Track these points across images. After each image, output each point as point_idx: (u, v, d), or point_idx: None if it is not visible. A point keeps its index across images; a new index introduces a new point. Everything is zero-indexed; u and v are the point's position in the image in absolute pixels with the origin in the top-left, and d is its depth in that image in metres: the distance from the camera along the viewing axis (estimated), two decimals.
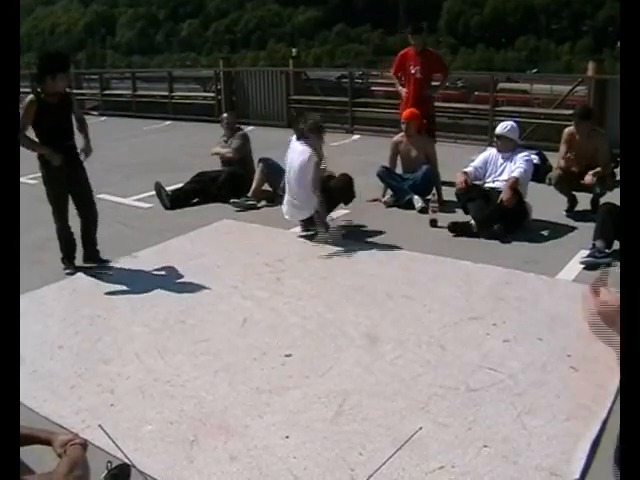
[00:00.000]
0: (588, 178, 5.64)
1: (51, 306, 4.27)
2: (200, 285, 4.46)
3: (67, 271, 4.80)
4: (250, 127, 11.52)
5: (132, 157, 9.84)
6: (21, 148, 3.48)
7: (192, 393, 3.11)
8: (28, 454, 1.99)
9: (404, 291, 4.26)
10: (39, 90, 4.43)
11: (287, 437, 2.73)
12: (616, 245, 4.65)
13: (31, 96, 4.41)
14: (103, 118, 15.12)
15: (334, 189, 5.56)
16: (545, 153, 7.59)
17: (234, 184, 6.70)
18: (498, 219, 5.27)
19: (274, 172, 6.65)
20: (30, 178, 5.82)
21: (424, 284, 4.40)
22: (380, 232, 5.57)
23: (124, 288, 4.50)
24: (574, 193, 5.93)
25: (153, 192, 6.75)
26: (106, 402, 3.07)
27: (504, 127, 5.65)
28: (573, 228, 5.52)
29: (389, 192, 6.51)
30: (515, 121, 6.17)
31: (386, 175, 6.44)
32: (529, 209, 5.52)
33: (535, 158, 7.36)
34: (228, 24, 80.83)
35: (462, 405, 2.92)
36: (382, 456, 2.53)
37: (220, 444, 2.71)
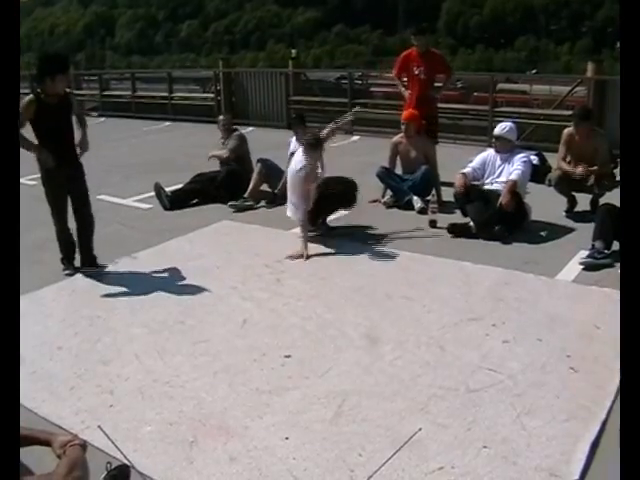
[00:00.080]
0: (579, 169, 5.64)
1: (50, 307, 4.27)
2: (199, 286, 4.46)
3: (66, 272, 4.80)
4: (250, 128, 11.57)
5: (132, 158, 9.85)
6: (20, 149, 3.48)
7: (191, 394, 3.11)
8: (27, 455, 1.99)
9: (403, 292, 4.27)
10: (39, 91, 4.42)
11: (287, 438, 2.73)
12: (615, 246, 4.65)
13: (30, 96, 4.40)
14: (102, 119, 15.14)
15: (333, 194, 5.43)
16: (544, 154, 7.60)
17: (233, 183, 6.70)
18: (498, 221, 5.28)
19: (273, 173, 6.67)
20: (29, 179, 5.82)
21: (423, 285, 4.40)
22: (379, 233, 5.58)
23: (123, 289, 4.50)
24: (574, 194, 5.93)
25: (152, 193, 6.76)
26: (105, 403, 3.07)
27: (502, 128, 5.65)
28: (572, 229, 5.52)
29: (389, 193, 6.52)
30: (514, 122, 6.17)
31: (385, 176, 6.44)
32: (528, 210, 5.52)
33: (534, 159, 7.38)
34: (227, 25, 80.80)
35: (461, 406, 2.92)
36: (382, 457, 2.54)
37: (220, 445, 2.71)
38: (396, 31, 66.29)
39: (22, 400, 2.44)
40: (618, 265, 4.46)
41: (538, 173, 6.92)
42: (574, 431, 2.70)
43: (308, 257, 4.97)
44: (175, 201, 6.63)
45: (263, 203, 6.62)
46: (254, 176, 6.68)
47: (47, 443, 1.99)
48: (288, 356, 3.44)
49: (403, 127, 6.55)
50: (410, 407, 2.92)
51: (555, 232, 5.44)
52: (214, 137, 7.47)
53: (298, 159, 5.19)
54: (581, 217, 5.75)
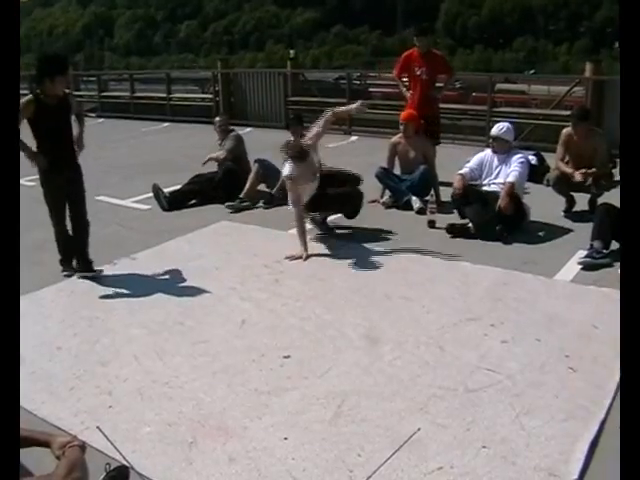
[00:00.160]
0: (578, 176, 5.64)
1: (50, 307, 4.27)
2: (198, 287, 4.46)
3: (65, 273, 4.80)
4: (248, 128, 11.57)
5: (130, 158, 9.85)
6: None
7: (191, 395, 3.11)
8: (27, 456, 2.00)
9: (402, 292, 4.27)
10: (38, 91, 4.41)
11: (286, 438, 2.73)
12: (614, 245, 4.66)
13: (29, 96, 4.39)
14: (101, 120, 15.14)
15: (333, 197, 5.38)
16: (543, 154, 7.62)
17: (230, 182, 6.71)
18: (497, 223, 5.28)
19: (270, 173, 6.67)
20: (28, 180, 5.82)
21: (422, 285, 4.40)
22: (378, 233, 5.58)
23: (122, 290, 4.50)
24: (572, 194, 5.94)
25: (151, 194, 6.76)
26: (104, 404, 3.07)
27: (500, 128, 5.64)
28: (571, 229, 5.53)
29: (387, 193, 6.52)
30: (512, 122, 6.17)
31: (384, 176, 6.44)
32: (527, 210, 5.52)
33: (533, 159, 7.40)
34: (226, 25, 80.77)
35: (461, 406, 2.92)
36: (381, 457, 2.54)
37: (219, 445, 2.71)
38: (395, 32, 66.33)
39: (21, 401, 2.43)
40: (617, 265, 4.47)
41: (536, 173, 6.94)
42: (573, 431, 2.71)
43: (307, 258, 4.97)
44: (173, 202, 6.63)
45: (261, 203, 6.62)
46: (251, 176, 6.69)
47: (46, 444, 1.99)
48: (287, 356, 3.45)
49: (402, 127, 6.56)
50: (409, 407, 2.93)
51: (553, 232, 5.44)
52: (213, 138, 7.47)
53: (286, 166, 5.18)
54: (579, 217, 5.76)
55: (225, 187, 6.70)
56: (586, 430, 2.71)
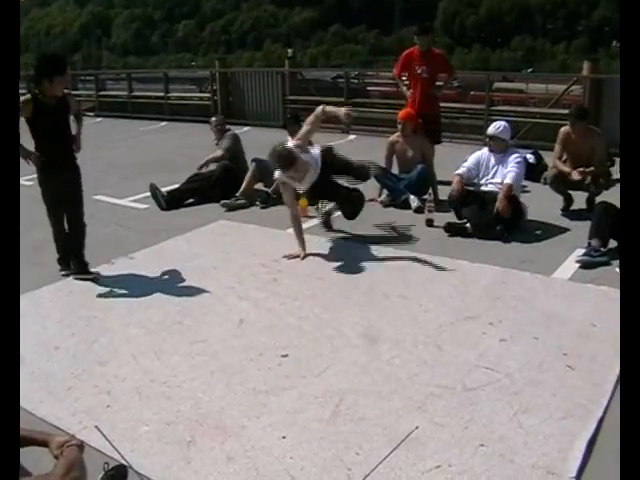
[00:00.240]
0: (575, 174, 5.65)
1: (48, 307, 4.26)
2: (196, 286, 4.46)
3: (63, 272, 4.79)
4: (246, 127, 11.58)
5: (128, 158, 9.84)
6: None
7: (189, 394, 3.11)
8: (25, 456, 1.99)
9: (400, 291, 4.27)
10: (36, 91, 4.38)
11: (284, 437, 2.73)
12: (612, 244, 4.67)
13: (27, 95, 4.37)
14: (99, 119, 15.13)
15: (335, 193, 5.38)
16: (541, 152, 7.62)
17: (228, 180, 6.71)
18: (496, 224, 5.28)
19: (267, 172, 6.66)
20: (27, 179, 5.81)
21: (420, 284, 4.40)
22: (376, 232, 5.58)
23: (120, 289, 4.49)
24: (570, 192, 5.94)
25: (149, 193, 6.75)
26: (103, 403, 3.06)
27: (497, 127, 5.63)
28: (569, 227, 5.53)
29: (385, 192, 6.52)
30: (509, 121, 6.17)
31: (382, 175, 6.44)
32: (524, 209, 5.52)
33: (530, 157, 7.41)
34: (224, 25, 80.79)
35: (459, 404, 2.92)
36: (379, 456, 2.54)
37: (217, 445, 2.71)
38: (392, 31, 66.42)
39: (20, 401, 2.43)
40: (614, 263, 4.47)
41: (534, 171, 6.95)
42: (571, 429, 2.71)
43: (305, 257, 4.97)
44: (171, 201, 6.63)
45: (258, 202, 6.62)
46: (248, 175, 6.69)
47: (44, 444, 1.99)
48: (285, 356, 3.44)
49: (399, 126, 6.56)
50: (407, 406, 2.93)
51: (551, 230, 5.45)
52: (210, 137, 7.47)
53: (276, 171, 5.15)
54: (577, 215, 5.76)
55: (222, 185, 6.71)
56: (584, 428, 2.71)
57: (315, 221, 5.88)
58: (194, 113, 13.83)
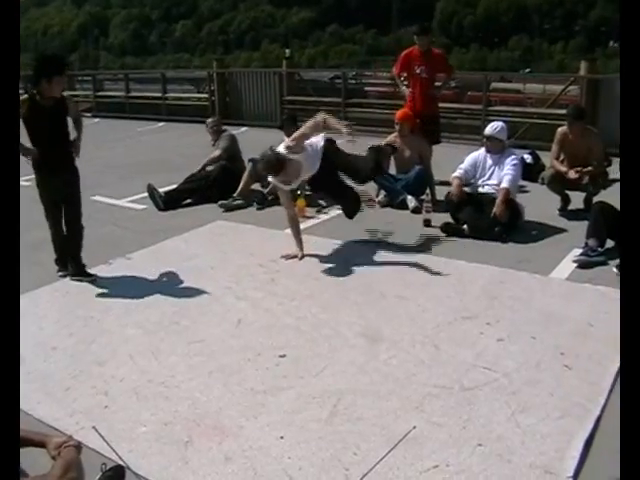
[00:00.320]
0: (572, 173, 5.65)
1: (45, 307, 4.26)
2: (194, 286, 4.46)
3: (61, 273, 4.78)
4: (243, 128, 11.57)
5: (126, 158, 9.84)
6: None
7: (186, 394, 3.11)
8: (23, 457, 1.98)
9: (398, 291, 4.27)
10: (34, 92, 4.35)
11: (282, 437, 2.73)
12: (609, 244, 4.68)
13: (24, 95, 4.32)
14: (96, 120, 15.10)
15: (336, 190, 5.34)
16: (538, 152, 7.63)
17: (226, 180, 6.71)
18: (494, 227, 5.27)
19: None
20: (25, 179, 5.80)
21: (418, 284, 4.41)
22: (373, 232, 5.58)
23: (118, 290, 4.49)
24: (567, 192, 5.95)
25: (147, 193, 6.75)
26: (100, 404, 3.06)
27: (494, 128, 5.61)
28: (566, 227, 5.53)
29: (382, 192, 6.52)
30: (506, 121, 6.17)
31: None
32: (521, 210, 5.52)
33: (528, 157, 7.42)
34: (222, 25, 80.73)
35: (456, 404, 2.93)
36: (376, 455, 2.54)
37: (215, 445, 2.71)
38: (390, 31, 66.44)
39: None
40: (612, 263, 4.48)
41: (531, 171, 6.96)
42: (568, 428, 2.71)
43: (302, 257, 4.97)
44: (169, 201, 6.62)
45: (255, 203, 6.61)
46: (245, 175, 6.69)
47: (42, 445, 1.99)
48: (283, 356, 3.45)
49: (397, 127, 6.56)
50: (405, 406, 2.93)
51: (549, 230, 5.45)
52: (208, 137, 7.47)
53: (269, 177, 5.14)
54: (574, 215, 5.77)
55: (220, 186, 6.71)
56: (581, 428, 2.71)
57: (313, 221, 5.87)
58: (192, 113, 13.81)
